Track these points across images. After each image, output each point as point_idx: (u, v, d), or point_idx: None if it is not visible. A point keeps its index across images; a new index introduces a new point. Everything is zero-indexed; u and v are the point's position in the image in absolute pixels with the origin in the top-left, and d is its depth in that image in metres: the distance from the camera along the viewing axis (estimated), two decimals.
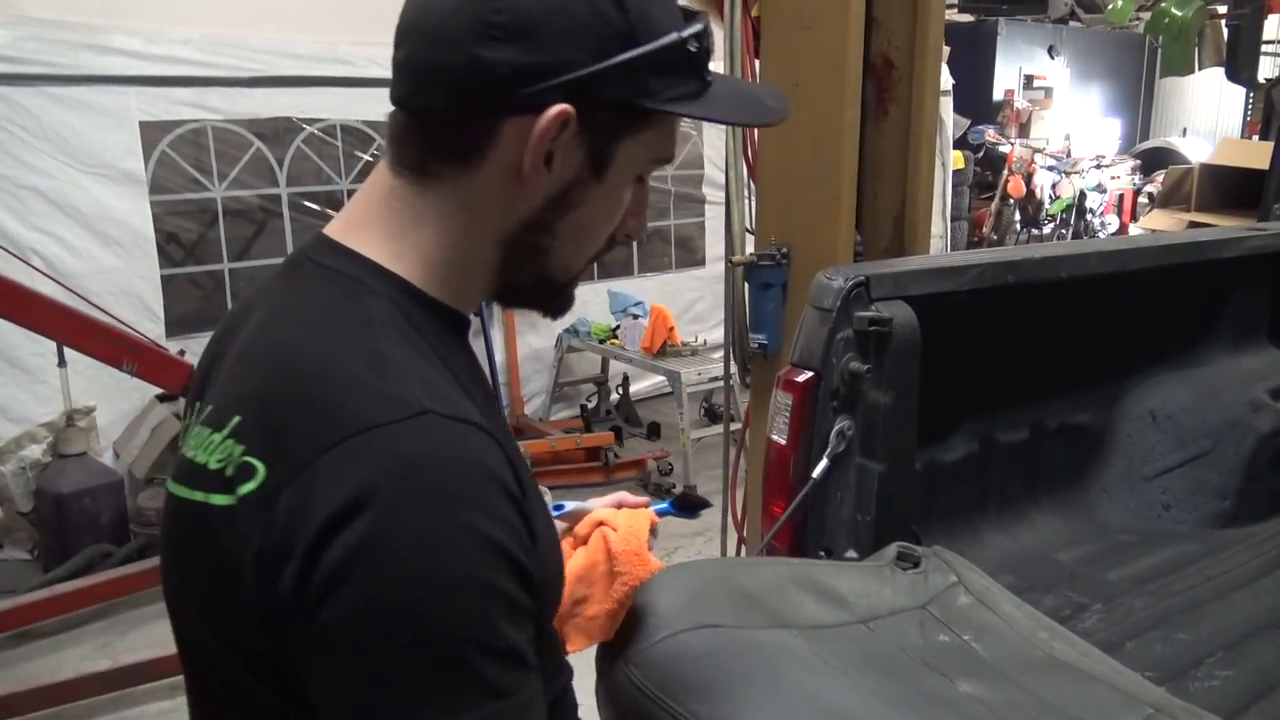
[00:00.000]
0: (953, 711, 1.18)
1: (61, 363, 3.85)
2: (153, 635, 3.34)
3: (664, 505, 1.22)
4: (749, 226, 2.70)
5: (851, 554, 1.63)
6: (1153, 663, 1.57)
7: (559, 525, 1.17)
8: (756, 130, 2.65)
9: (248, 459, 0.69)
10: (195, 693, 0.84)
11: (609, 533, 1.10)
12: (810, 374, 1.59)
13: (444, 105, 0.76)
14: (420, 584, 0.64)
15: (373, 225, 0.80)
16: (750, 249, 2.64)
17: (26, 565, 4.05)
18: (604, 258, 0.90)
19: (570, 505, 1.17)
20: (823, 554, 1.65)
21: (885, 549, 1.51)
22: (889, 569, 1.46)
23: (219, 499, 0.70)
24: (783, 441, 1.62)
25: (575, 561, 1.12)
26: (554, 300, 0.87)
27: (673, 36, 0.76)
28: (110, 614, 3.62)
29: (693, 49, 0.77)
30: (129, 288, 4.28)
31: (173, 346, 3.93)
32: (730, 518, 2.90)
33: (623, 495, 1.20)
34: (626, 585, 1.07)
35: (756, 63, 2.64)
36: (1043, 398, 2.06)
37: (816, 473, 1.59)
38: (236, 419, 0.71)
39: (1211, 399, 2.14)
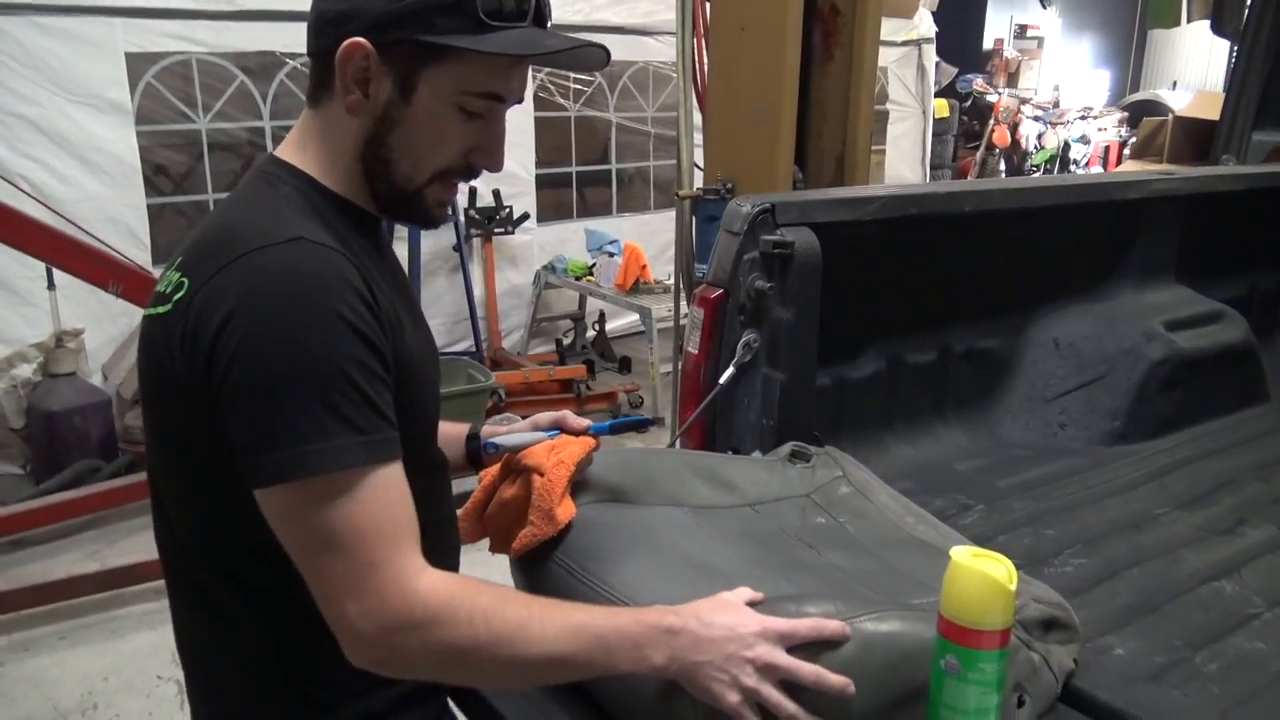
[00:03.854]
0: (812, 574, 1.35)
1: (51, 285, 4.00)
2: (139, 545, 3.49)
3: (603, 426, 1.36)
4: (698, 163, 2.85)
5: (756, 454, 1.80)
6: (1018, 553, 1.75)
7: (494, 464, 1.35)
8: (706, 71, 2.80)
9: (182, 279, 0.99)
10: (156, 484, 1.10)
11: (535, 481, 1.26)
12: (720, 290, 1.76)
13: (313, 49, 1.04)
14: (287, 348, 0.91)
15: (290, 142, 1.10)
16: (699, 184, 2.79)
17: (18, 479, 4.24)
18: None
19: (502, 441, 1.31)
20: (730, 453, 1.83)
21: (781, 447, 1.68)
22: (781, 463, 1.64)
23: (163, 309, 1.00)
24: (695, 352, 1.79)
25: (504, 492, 1.31)
26: (409, 208, 1.10)
27: None
28: (99, 525, 3.80)
29: None
30: (116, 215, 4.42)
31: (159, 274, 4.05)
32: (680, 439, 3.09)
33: (564, 415, 1.35)
34: (534, 537, 1.26)
35: (708, 5, 2.78)
36: (952, 324, 2.22)
37: (723, 379, 1.76)
38: (180, 258, 1.03)
39: (1111, 328, 2.30)
